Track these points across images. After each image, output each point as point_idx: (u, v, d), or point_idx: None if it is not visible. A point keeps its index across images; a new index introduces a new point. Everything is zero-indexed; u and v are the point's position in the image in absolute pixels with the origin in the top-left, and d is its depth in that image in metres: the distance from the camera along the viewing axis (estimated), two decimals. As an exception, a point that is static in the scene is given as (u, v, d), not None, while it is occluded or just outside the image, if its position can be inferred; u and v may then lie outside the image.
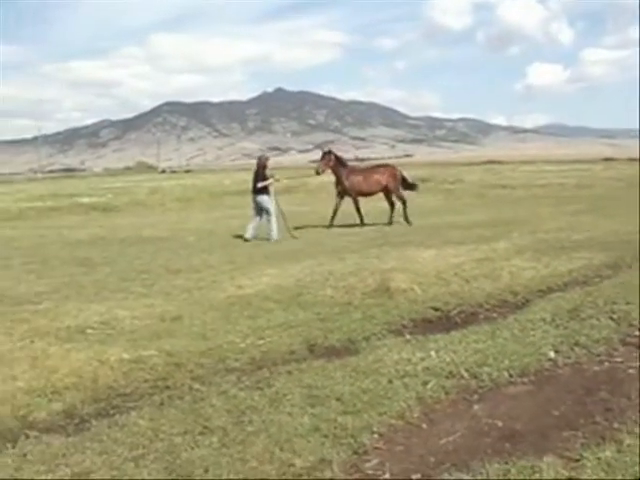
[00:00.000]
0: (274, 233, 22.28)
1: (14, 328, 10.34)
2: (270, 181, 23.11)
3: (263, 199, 22.76)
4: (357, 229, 24.02)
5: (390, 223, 25.61)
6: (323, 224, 25.14)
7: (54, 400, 7.54)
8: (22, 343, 9.53)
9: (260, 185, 22.76)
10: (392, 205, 26.56)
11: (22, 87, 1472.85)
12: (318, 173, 26.15)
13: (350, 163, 28.29)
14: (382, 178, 26.41)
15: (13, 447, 6.36)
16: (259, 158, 24.01)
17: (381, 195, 26.97)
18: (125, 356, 8.78)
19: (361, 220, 25.41)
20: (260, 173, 23.05)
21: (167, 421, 6.67)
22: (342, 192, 25.79)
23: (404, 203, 26.21)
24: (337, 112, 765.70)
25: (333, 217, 25.11)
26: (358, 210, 25.59)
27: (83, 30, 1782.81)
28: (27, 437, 6.61)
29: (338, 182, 25.93)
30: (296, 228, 24.02)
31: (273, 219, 22.52)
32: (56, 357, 8.83)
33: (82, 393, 7.72)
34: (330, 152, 26.17)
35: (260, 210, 22.75)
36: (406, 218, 25.71)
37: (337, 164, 25.88)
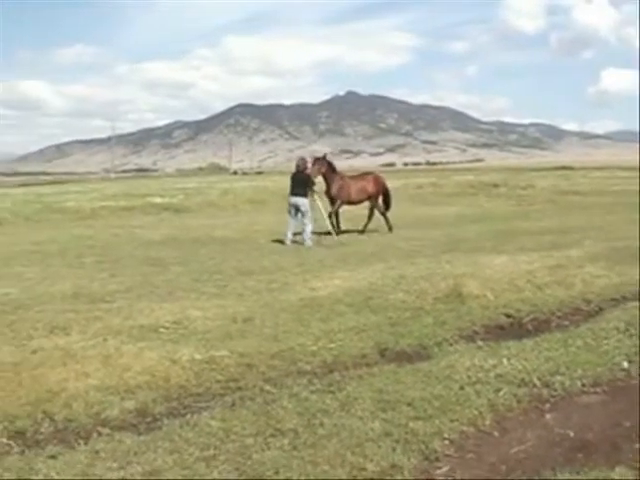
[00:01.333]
0: (309, 239, 22.35)
1: (88, 326, 10.45)
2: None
3: (304, 202, 22.69)
4: (428, 233, 23.92)
5: (362, 231, 25.48)
6: (396, 227, 25.17)
7: (126, 398, 7.61)
8: (95, 341, 9.62)
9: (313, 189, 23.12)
10: (372, 214, 26.39)
11: (97, 87, 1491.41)
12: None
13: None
14: (369, 186, 26.13)
15: (85, 444, 6.44)
16: (298, 163, 23.86)
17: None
18: (197, 356, 8.84)
19: (338, 228, 24.85)
20: (304, 176, 23.10)
21: (238, 422, 6.69)
22: (331, 199, 25.34)
23: (383, 214, 26.21)
24: (408, 116, 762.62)
25: (338, 224, 24.78)
26: (337, 216, 25.09)
27: (157, 32, 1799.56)
28: (99, 434, 6.70)
29: (328, 189, 25.37)
30: (367, 231, 24.17)
31: (310, 224, 22.58)
32: (129, 355, 8.92)
33: (154, 392, 7.79)
34: (324, 158, 25.45)
35: (298, 212, 22.65)
36: (389, 227, 25.80)
37: (329, 170, 25.28)
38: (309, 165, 24.01)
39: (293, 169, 23.69)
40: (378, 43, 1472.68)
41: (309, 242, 22.01)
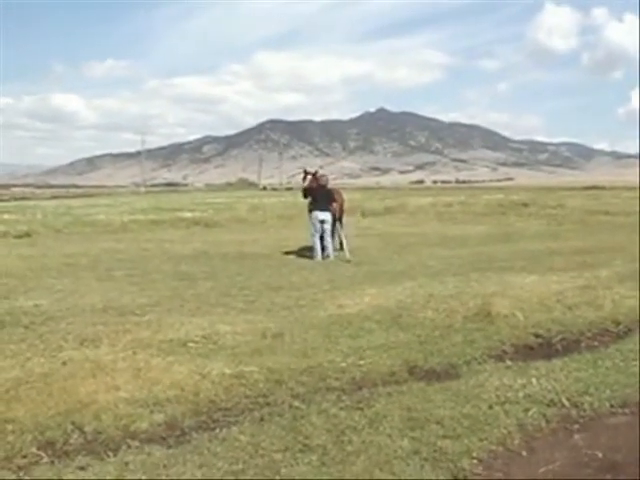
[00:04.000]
0: (332, 253, 22.72)
1: (117, 339, 10.48)
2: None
3: (329, 217, 22.94)
4: (457, 252, 23.85)
5: (341, 249, 24.18)
6: (426, 245, 25.11)
7: (156, 411, 7.60)
8: (125, 354, 9.64)
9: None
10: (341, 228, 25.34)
11: (128, 101, 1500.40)
12: (306, 196, 24.03)
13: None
14: (340, 201, 24.75)
15: (115, 455, 6.44)
16: (320, 177, 23.51)
17: None
18: (226, 371, 8.83)
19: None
20: (327, 191, 23.30)
21: (267, 437, 6.69)
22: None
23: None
24: (438, 134, 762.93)
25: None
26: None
27: (189, 47, 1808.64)
28: (129, 446, 6.69)
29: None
30: (398, 249, 24.12)
31: (330, 239, 22.92)
32: (158, 369, 8.94)
33: (183, 406, 7.77)
34: (315, 174, 23.79)
35: (322, 227, 22.79)
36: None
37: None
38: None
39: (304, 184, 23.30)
40: (409, 60, 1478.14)
41: (332, 255, 22.54)
